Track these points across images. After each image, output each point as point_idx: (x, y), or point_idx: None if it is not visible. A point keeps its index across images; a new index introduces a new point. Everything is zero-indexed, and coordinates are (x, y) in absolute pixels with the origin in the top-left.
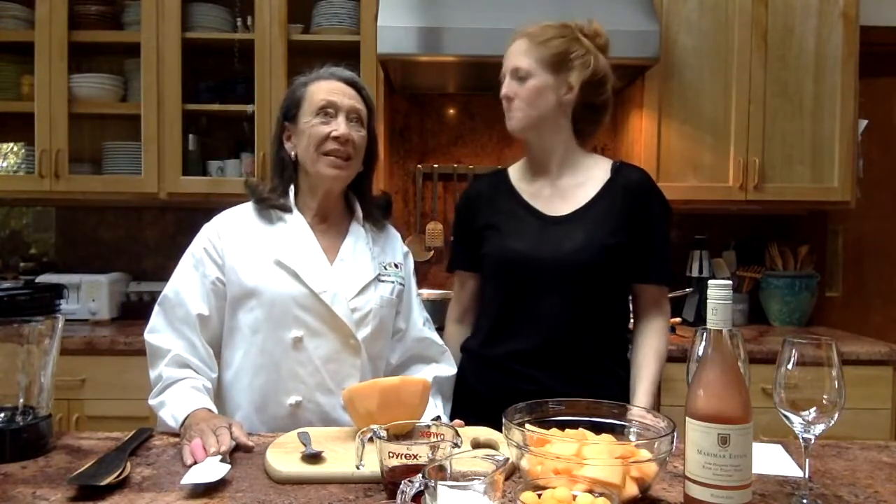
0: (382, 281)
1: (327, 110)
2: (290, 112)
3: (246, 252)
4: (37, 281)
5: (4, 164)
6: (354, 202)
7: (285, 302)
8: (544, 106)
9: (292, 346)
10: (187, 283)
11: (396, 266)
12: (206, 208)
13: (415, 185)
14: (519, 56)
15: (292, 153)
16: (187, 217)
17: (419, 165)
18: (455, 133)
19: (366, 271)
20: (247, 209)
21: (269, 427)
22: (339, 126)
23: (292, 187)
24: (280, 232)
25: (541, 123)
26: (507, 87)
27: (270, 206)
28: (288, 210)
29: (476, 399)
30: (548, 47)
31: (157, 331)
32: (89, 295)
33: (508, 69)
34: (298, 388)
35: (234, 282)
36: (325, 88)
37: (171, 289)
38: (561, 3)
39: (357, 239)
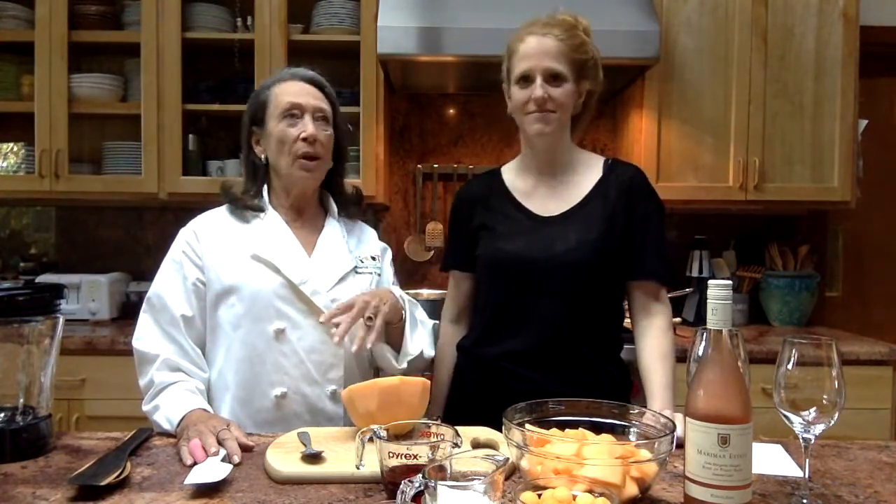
0: (360, 273)
1: (293, 112)
2: (256, 116)
3: (224, 250)
4: (37, 281)
5: (4, 164)
6: (328, 198)
7: (266, 295)
8: (570, 113)
9: (275, 338)
10: (169, 287)
11: (374, 258)
12: (206, 208)
13: (415, 185)
14: (553, 58)
15: (262, 156)
16: (187, 217)
17: (419, 165)
18: (455, 133)
19: (343, 263)
20: (222, 211)
21: (254, 421)
22: (307, 127)
23: (265, 187)
24: (256, 229)
25: (565, 129)
26: (543, 89)
27: (244, 206)
28: (262, 210)
29: (470, 398)
30: (580, 53)
31: (144, 337)
32: (89, 295)
33: (540, 69)
34: (283, 379)
35: (213, 280)
36: (290, 90)
37: (153, 294)
38: (561, 3)
39: (333, 232)
